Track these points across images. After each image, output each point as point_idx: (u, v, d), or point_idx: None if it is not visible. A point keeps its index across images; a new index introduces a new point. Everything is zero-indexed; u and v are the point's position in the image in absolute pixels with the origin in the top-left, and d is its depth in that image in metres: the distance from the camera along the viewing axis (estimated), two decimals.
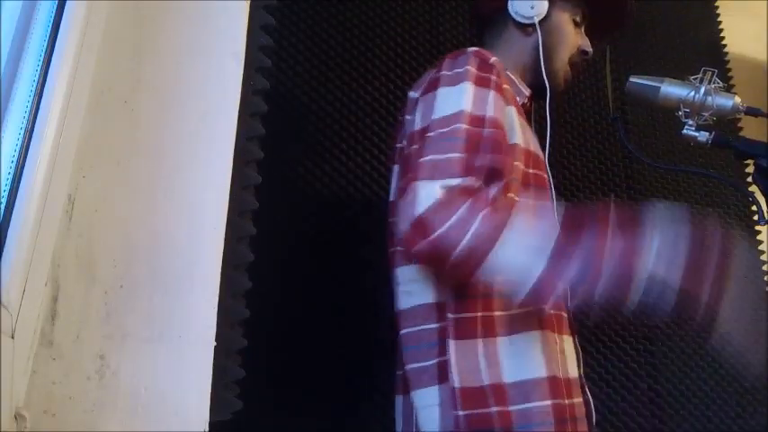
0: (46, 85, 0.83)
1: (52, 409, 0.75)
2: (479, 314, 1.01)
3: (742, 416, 1.78)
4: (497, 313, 1.02)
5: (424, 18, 1.81)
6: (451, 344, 1.00)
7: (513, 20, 1.24)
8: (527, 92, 1.24)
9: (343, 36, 1.68)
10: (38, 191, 0.78)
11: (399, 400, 1.10)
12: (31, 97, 0.82)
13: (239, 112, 1.01)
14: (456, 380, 0.98)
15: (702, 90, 1.13)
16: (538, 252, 0.91)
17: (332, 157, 1.58)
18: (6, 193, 0.77)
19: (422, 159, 0.99)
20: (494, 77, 1.09)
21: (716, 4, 2.30)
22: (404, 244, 0.99)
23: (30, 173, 0.78)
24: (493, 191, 0.96)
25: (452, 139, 1.00)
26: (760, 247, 2.02)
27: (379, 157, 1.62)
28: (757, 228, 2.03)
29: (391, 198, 1.18)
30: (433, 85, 1.09)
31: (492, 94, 1.06)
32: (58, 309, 0.79)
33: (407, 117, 1.14)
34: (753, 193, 1.15)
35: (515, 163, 1.06)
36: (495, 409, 0.97)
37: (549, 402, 0.99)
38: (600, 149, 1.91)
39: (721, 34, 2.25)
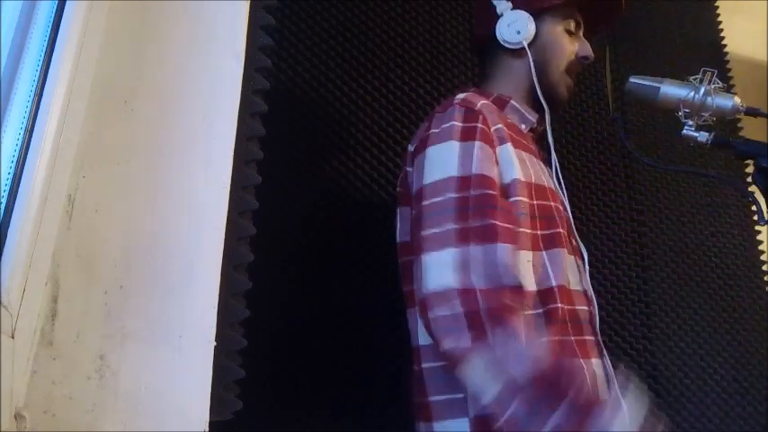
0: (46, 85, 0.83)
1: (52, 409, 0.75)
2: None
3: (742, 416, 1.78)
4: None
5: (424, 18, 1.81)
6: None
7: (504, 47, 1.25)
8: (533, 117, 1.26)
9: (343, 36, 1.68)
10: (38, 191, 0.78)
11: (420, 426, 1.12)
12: (31, 97, 0.82)
13: (239, 112, 1.01)
14: (471, 410, 1.02)
15: (702, 90, 1.12)
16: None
17: (332, 156, 1.58)
18: (6, 193, 0.77)
19: (422, 233, 1.06)
20: (479, 125, 1.12)
21: (716, 4, 2.30)
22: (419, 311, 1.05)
23: (30, 173, 0.78)
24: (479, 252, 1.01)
25: (444, 211, 1.05)
26: (760, 247, 2.02)
27: (379, 157, 1.62)
28: (757, 228, 2.03)
29: (398, 239, 1.22)
30: (423, 144, 1.14)
31: (477, 145, 1.09)
32: (58, 309, 0.79)
33: (407, 169, 1.20)
34: (753, 193, 1.15)
35: (518, 198, 1.09)
36: None
37: None
38: (600, 149, 1.92)
39: (721, 34, 2.26)
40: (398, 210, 1.23)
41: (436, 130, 1.13)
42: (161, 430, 0.81)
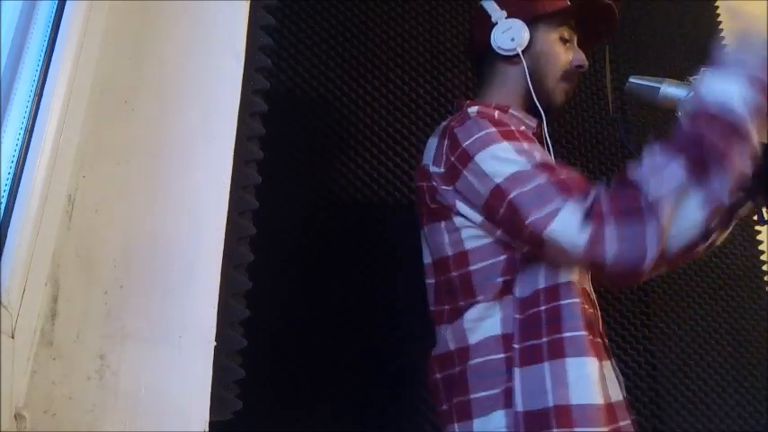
0: (46, 85, 0.83)
1: (52, 409, 0.75)
2: (545, 339, 1.05)
3: (742, 416, 1.78)
4: (566, 335, 1.05)
5: (424, 18, 1.81)
6: (517, 372, 1.04)
7: (500, 54, 1.26)
8: (533, 122, 1.26)
9: (343, 36, 1.68)
10: (38, 191, 0.78)
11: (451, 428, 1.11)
12: (31, 97, 0.82)
13: (239, 112, 1.01)
14: (520, 404, 1.02)
15: None
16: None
17: (332, 156, 1.59)
18: (6, 192, 0.77)
19: (529, 220, 1.02)
20: (512, 128, 1.14)
21: (716, 4, 2.30)
22: (601, 275, 1.04)
23: (30, 173, 0.78)
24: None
25: (545, 193, 1.03)
26: (760, 247, 2.02)
27: (378, 157, 1.62)
28: (757, 228, 2.03)
29: (429, 259, 1.20)
30: (465, 158, 1.11)
31: (524, 144, 1.11)
32: (58, 309, 0.79)
33: (434, 184, 1.16)
34: None
35: None
36: (556, 430, 0.99)
37: (606, 429, 1.02)
38: (600, 149, 1.92)
39: (721, 34, 2.25)
40: (425, 229, 1.19)
41: (471, 140, 1.11)
42: (161, 430, 0.81)
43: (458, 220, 1.14)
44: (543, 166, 1.06)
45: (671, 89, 1.16)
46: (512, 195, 1.04)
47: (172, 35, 1.01)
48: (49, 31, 0.87)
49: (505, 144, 1.09)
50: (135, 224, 0.89)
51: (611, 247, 0.96)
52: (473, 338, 1.10)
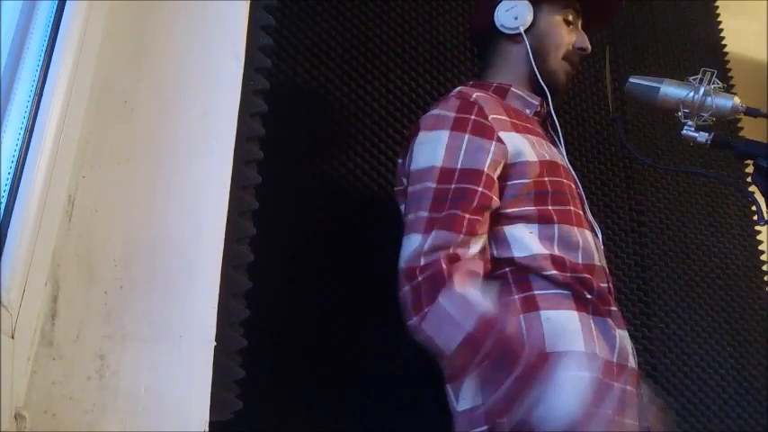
0: (46, 85, 0.83)
1: (52, 409, 0.75)
2: (517, 297, 1.08)
3: (742, 416, 1.78)
4: (537, 293, 1.08)
5: (424, 18, 1.81)
6: None
7: (503, 33, 1.26)
8: (536, 101, 1.27)
9: (343, 36, 1.68)
10: (38, 191, 0.78)
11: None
12: (31, 97, 0.82)
13: (239, 112, 1.01)
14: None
15: (702, 90, 1.12)
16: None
17: (332, 156, 1.58)
18: (6, 193, 0.77)
19: (406, 217, 1.12)
20: (473, 117, 1.14)
21: (716, 4, 2.30)
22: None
23: (30, 173, 0.78)
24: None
25: (422, 199, 1.10)
26: (760, 247, 2.02)
27: (378, 157, 1.62)
28: (757, 228, 2.03)
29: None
30: (416, 128, 1.19)
31: (467, 138, 1.12)
32: (58, 309, 0.79)
33: (399, 161, 1.26)
34: (752, 193, 1.15)
35: (525, 181, 1.13)
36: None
37: (586, 375, 1.02)
38: (600, 149, 1.91)
39: (721, 34, 2.25)
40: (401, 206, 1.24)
41: (431, 118, 1.17)
42: (161, 430, 0.81)
43: None
44: (450, 172, 1.09)
45: (671, 89, 1.16)
46: (409, 188, 1.13)
47: (172, 35, 1.01)
48: (49, 31, 0.87)
49: (445, 134, 1.13)
50: (135, 224, 0.89)
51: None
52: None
